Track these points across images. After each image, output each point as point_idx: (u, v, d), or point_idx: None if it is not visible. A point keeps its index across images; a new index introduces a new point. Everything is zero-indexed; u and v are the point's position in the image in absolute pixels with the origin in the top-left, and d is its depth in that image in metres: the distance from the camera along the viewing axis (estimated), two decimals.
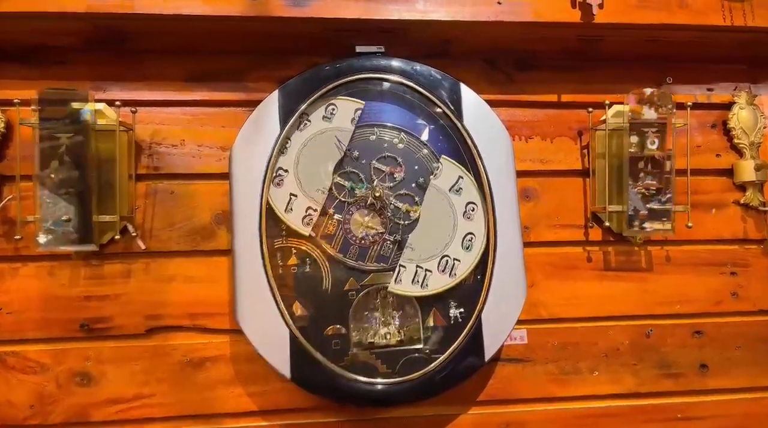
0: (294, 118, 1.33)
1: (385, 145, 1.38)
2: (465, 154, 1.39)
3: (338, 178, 1.36)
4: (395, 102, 1.38)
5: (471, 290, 1.34)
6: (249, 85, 1.46)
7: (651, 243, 1.54)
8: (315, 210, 1.35)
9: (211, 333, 1.41)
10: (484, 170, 1.36)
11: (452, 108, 1.38)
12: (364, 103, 1.36)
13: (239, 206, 1.30)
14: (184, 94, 1.44)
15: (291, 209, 1.35)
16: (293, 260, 1.34)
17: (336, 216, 1.36)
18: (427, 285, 1.33)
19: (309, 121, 1.37)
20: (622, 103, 1.46)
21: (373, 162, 1.39)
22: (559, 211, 1.56)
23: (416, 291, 1.33)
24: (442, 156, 1.37)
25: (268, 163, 1.33)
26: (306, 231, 1.34)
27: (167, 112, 1.44)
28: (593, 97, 1.53)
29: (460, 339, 1.29)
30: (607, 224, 1.48)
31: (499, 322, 1.30)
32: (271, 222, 1.32)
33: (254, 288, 1.27)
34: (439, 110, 1.38)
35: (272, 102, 1.34)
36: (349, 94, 1.35)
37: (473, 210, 1.37)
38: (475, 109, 1.39)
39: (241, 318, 1.25)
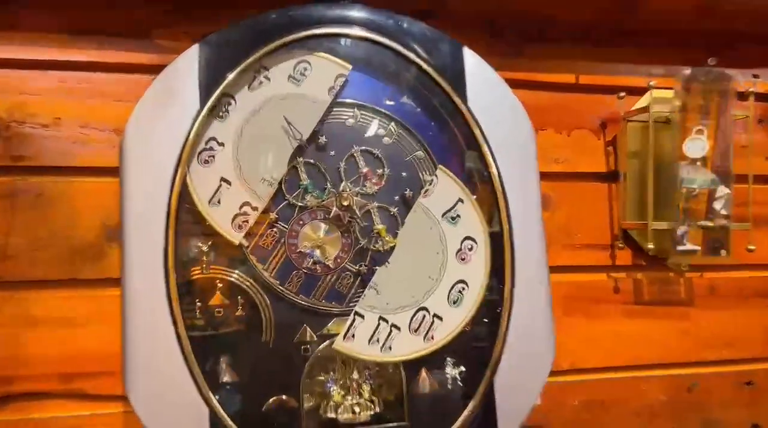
0: (241, 67, 0.96)
1: (367, 135, 1.03)
2: (469, 158, 1.05)
3: (298, 168, 1.00)
4: (385, 75, 1.04)
5: (475, 341, 0.97)
6: (159, 44, 1.08)
7: (691, 268, 1.30)
8: (254, 208, 0.98)
9: (95, 401, 1.04)
10: (500, 181, 1.01)
11: (452, 83, 1.02)
12: (351, 67, 1.00)
13: (134, 209, 0.92)
14: (65, 53, 1.07)
15: (218, 201, 0.97)
16: (217, 298, 0.97)
17: (279, 225, 1.00)
18: (390, 348, 0.97)
19: (267, 77, 0.99)
20: (663, 87, 1.19)
21: (346, 156, 1.03)
22: (577, 226, 1.30)
23: (373, 354, 0.97)
24: (440, 166, 1.03)
25: (191, 128, 0.94)
26: (236, 237, 0.97)
27: (37, 78, 1.06)
28: (621, 79, 1.28)
29: (465, 414, 0.96)
30: (651, 246, 1.08)
31: (518, 392, 0.86)
32: (187, 222, 0.95)
33: (154, 343, 0.90)
34: (435, 88, 1.03)
35: (190, 58, 0.96)
36: (330, 50, 1.00)
37: (471, 249, 1.02)
38: (485, 85, 1.04)
39: (132, 389, 0.87)
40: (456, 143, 1.03)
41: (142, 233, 0.90)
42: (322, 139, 0.99)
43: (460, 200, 1.01)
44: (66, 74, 1.06)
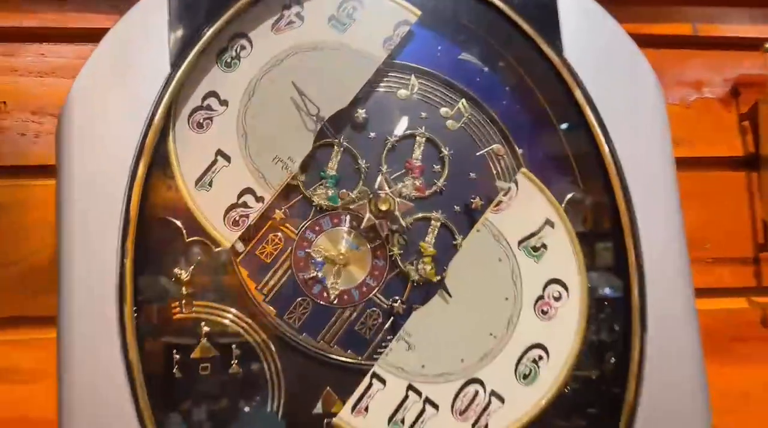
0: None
1: (425, 114, 0.77)
2: (568, 140, 0.77)
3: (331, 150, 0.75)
4: (457, 30, 0.79)
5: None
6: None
7: None
8: (259, 199, 0.72)
9: None
10: (619, 176, 0.73)
11: (541, 25, 0.74)
12: (420, 13, 0.75)
13: (74, 211, 0.67)
14: (14, 18, 0.79)
15: (209, 184, 0.72)
16: (201, 350, 0.69)
17: (286, 228, 0.74)
18: None
19: (300, 16, 0.74)
20: None
21: (392, 142, 0.77)
22: (707, 233, 0.94)
23: None
24: (523, 170, 0.76)
25: (171, 74, 0.69)
26: (229, 237, 0.72)
27: None
28: (759, 28, 0.94)
29: None
30: None
31: None
32: (157, 224, 0.70)
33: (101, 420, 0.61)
34: (524, 42, 0.76)
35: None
36: None
37: (558, 298, 0.73)
38: (588, 26, 0.76)
39: None
40: (547, 126, 0.78)
41: (86, 249, 0.65)
42: (361, 114, 0.76)
43: (549, 223, 0.75)
44: (12, 47, 0.82)
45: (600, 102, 0.74)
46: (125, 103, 0.69)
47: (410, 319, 0.70)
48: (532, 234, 0.74)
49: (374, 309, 0.73)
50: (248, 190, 0.72)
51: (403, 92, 0.77)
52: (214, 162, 0.72)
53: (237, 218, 0.71)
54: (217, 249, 0.72)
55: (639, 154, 0.74)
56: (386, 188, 0.73)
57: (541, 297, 0.73)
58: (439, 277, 0.72)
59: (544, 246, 0.74)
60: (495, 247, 0.73)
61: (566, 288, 0.73)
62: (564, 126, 0.78)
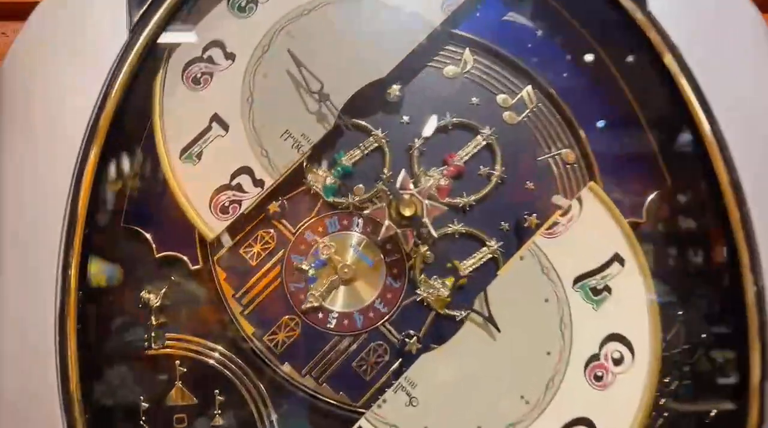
0: None
1: (476, 100, 0.63)
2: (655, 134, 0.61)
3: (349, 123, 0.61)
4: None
5: None
6: None
7: None
8: (258, 182, 0.59)
9: None
10: (733, 188, 0.56)
11: None
12: None
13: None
14: None
15: (198, 156, 0.59)
16: (177, 394, 0.58)
17: (281, 222, 0.61)
18: None
19: None
20: None
21: (429, 131, 0.62)
22: None
23: None
24: (590, 184, 0.61)
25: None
26: (214, 226, 0.59)
27: None
28: None
29: None
30: None
31: None
32: (124, 232, 0.59)
33: None
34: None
35: None
36: None
37: (620, 362, 0.59)
38: None
39: None
40: (629, 117, 0.62)
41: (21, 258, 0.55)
42: (395, 91, 0.62)
43: (618, 259, 0.61)
44: None
45: (699, 71, 0.56)
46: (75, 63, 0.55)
47: (416, 364, 0.58)
48: (594, 272, 0.60)
49: (380, 342, 0.60)
50: (245, 170, 0.59)
51: (451, 69, 0.61)
52: (208, 129, 0.60)
53: (227, 204, 0.59)
54: (195, 267, 0.59)
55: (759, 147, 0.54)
56: (410, 187, 0.56)
57: (595, 357, 0.59)
58: (447, 311, 0.59)
59: (607, 288, 0.60)
60: (542, 283, 0.60)
61: (631, 349, 0.59)
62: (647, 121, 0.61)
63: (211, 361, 0.58)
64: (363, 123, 0.61)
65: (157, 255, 0.58)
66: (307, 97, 0.60)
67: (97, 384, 0.57)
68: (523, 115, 0.62)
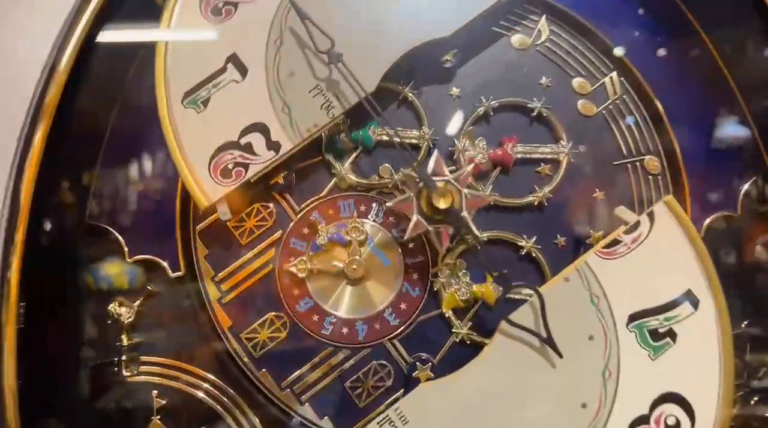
0: None
1: (547, 81, 0.52)
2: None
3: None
4: None
5: None
6: None
7: None
8: (273, 144, 0.47)
9: None
10: None
11: None
12: None
13: None
14: None
15: (205, 103, 0.48)
16: None
17: (284, 197, 0.50)
18: None
19: None
20: None
21: (481, 109, 0.51)
22: None
23: None
24: (665, 199, 0.50)
25: None
26: (212, 190, 0.47)
27: None
28: None
29: None
30: None
31: None
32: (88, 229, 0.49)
33: None
34: None
35: None
36: None
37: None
38: None
39: None
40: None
41: None
42: (449, 59, 0.52)
43: (691, 297, 0.49)
44: None
45: None
46: None
47: (413, 394, 0.47)
48: (658, 311, 0.49)
49: (384, 363, 0.50)
50: (259, 128, 0.48)
51: (519, 39, 0.47)
52: (221, 70, 0.49)
53: (231, 166, 0.47)
54: (176, 275, 0.49)
55: None
56: (445, 173, 0.44)
57: (644, 420, 0.48)
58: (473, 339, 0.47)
59: (671, 334, 0.49)
60: (588, 315, 0.49)
61: (691, 416, 0.48)
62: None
63: (200, 394, 0.49)
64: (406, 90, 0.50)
65: (129, 260, 0.48)
66: (351, 48, 0.48)
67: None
68: (603, 106, 0.51)
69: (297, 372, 0.48)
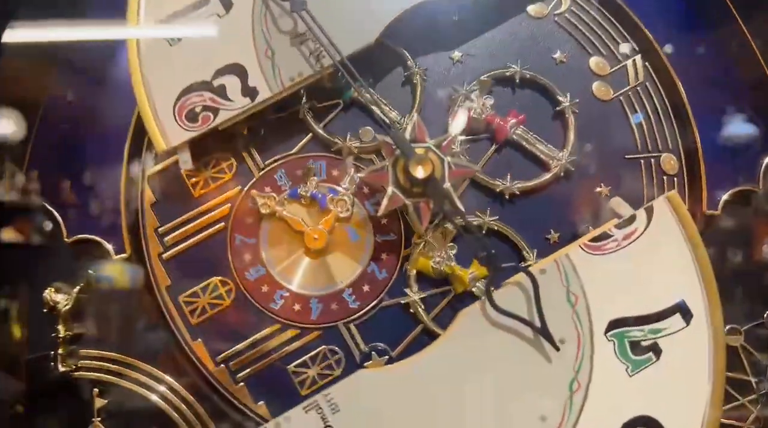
0: None
1: (562, 56, 0.46)
2: None
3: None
4: None
5: None
6: None
7: None
8: (249, 90, 0.42)
9: None
10: None
11: None
12: None
13: None
14: None
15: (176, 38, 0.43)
16: None
17: (251, 153, 0.44)
18: None
19: None
20: None
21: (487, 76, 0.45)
22: None
23: None
24: (668, 194, 0.43)
25: None
26: (175, 134, 0.41)
27: None
28: None
29: None
30: None
31: None
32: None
33: None
34: None
35: None
36: None
37: None
38: None
39: None
40: None
41: None
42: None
43: (683, 310, 0.43)
44: None
45: None
46: None
47: (347, 381, 0.41)
48: (643, 320, 0.43)
49: (335, 349, 0.44)
50: (236, 70, 0.43)
51: (537, 7, 0.41)
52: (203, 1, 0.43)
53: (198, 109, 0.42)
54: (120, 257, 0.43)
55: None
56: (426, 138, 0.38)
57: None
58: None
59: (655, 349, 0.43)
60: (562, 315, 0.43)
61: None
62: None
63: (154, 396, 0.43)
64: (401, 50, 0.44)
65: (67, 240, 0.43)
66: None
67: None
68: (621, 91, 0.44)
69: (236, 347, 0.42)
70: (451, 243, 0.44)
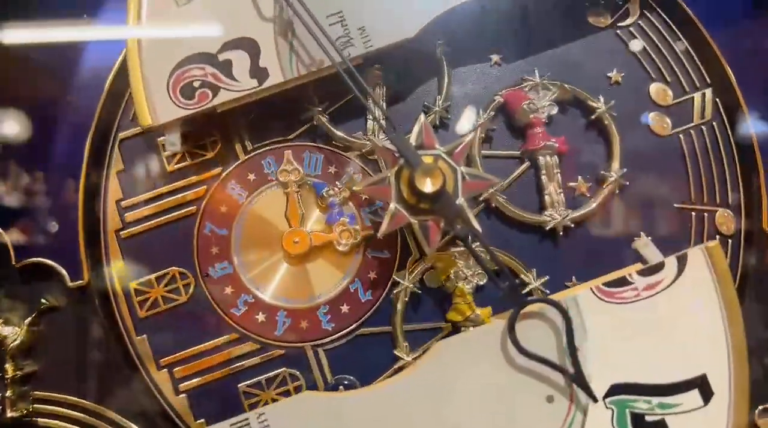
0: None
1: (618, 73, 0.40)
2: None
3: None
4: None
5: None
6: None
7: None
8: (258, 70, 0.35)
9: None
10: None
11: None
12: None
13: None
14: None
15: None
16: None
17: (241, 139, 0.38)
18: None
19: None
20: None
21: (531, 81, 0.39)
22: None
23: None
24: (708, 244, 0.36)
25: None
26: (167, 110, 0.35)
27: None
28: None
29: None
30: None
31: None
32: None
33: None
34: None
35: None
36: None
37: None
38: None
39: None
40: None
41: None
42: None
43: (703, 386, 0.36)
44: None
45: None
46: None
47: (285, 403, 0.36)
48: (652, 390, 0.37)
49: (296, 373, 0.37)
50: (246, 45, 0.37)
51: (597, 14, 0.36)
52: None
53: (196, 85, 0.36)
54: (74, 284, 0.37)
55: None
56: (435, 145, 0.33)
57: None
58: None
59: (662, 427, 0.37)
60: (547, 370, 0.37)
61: None
62: None
63: None
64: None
65: (15, 265, 0.37)
66: None
67: None
68: (682, 128, 0.37)
69: (185, 352, 0.36)
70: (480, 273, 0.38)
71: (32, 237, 0.37)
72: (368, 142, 0.38)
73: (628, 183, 0.38)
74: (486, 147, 0.39)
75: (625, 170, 0.38)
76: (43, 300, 0.37)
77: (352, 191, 0.37)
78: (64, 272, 0.36)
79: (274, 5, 0.37)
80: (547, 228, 0.37)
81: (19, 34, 0.40)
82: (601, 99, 0.38)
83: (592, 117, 0.38)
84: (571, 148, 0.38)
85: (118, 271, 0.37)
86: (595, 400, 0.37)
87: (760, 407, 0.38)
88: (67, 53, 0.39)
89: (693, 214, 0.38)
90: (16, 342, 0.36)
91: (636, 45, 0.40)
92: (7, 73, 0.39)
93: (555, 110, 0.38)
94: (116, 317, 0.37)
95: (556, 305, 0.34)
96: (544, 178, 0.38)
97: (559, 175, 0.38)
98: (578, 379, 0.36)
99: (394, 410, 0.35)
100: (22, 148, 0.38)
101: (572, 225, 0.38)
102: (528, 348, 0.34)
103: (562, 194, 0.38)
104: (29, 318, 0.37)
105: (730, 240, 0.38)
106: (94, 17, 0.39)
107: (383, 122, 0.36)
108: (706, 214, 0.38)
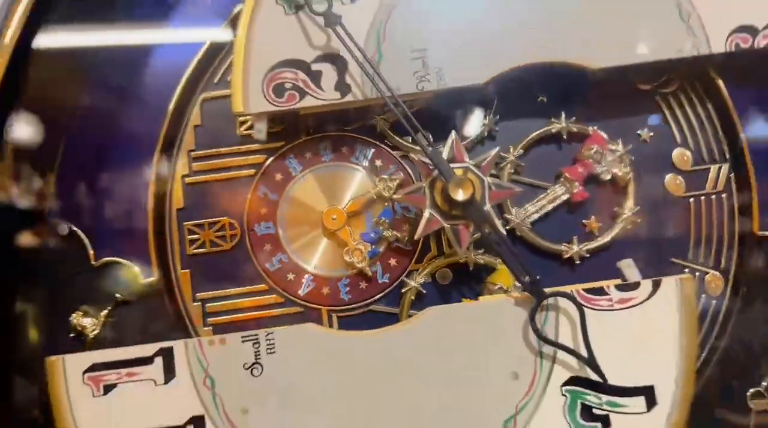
0: None
1: (648, 132, 0.44)
2: None
3: None
4: None
5: None
6: None
7: None
8: (340, 85, 0.41)
9: None
10: None
11: None
12: None
13: None
14: None
15: (298, 6, 0.41)
16: None
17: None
18: None
19: None
20: None
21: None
22: None
23: None
24: (681, 276, 0.40)
25: None
26: (255, 104, 0.40)
27: None
28: None
29: None
30: None
31: None
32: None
33: None
34: None
35: None
36: None
37: None
38: None
39: None
40: None
41: None
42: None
43: (649, 395, 0.41)
44: None
45: None
46: None
47: (293, 329, 0.40)
48: (605, 390, 0.41)
49: None
50: (338, 62, 0.41)
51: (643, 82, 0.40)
52: None
53: (288, 86, 0.41)
54: (149, 280, 0.41)
55: None
56: (464, 157, 0.38)
57: None
58: None
59: (605, 421, 0.41)
60: (526, 349, 0.41)
61: None
62: None
63: None
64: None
65: (94, 263, 0.41)
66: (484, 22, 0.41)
67: None
68: (695, 193, 0.42)
69: (220, 291, 0.41)
70: None
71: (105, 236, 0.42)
72: (414, 148, 0.42)
73: (639, 220, 0.42)
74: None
75: (638, 208, 0.42)
76: (117, 295, 0.41)
77: (392, 200, 0.41)
78: (137, 269, 0.41)
79: (369, 27, 0.41)
80: (565, 257, 0.42)
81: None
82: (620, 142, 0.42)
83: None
84: (584, 200, 0.42)
85: None
86: (605, 380, 0.41)
87: (752, 390, 0.43)
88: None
89: (686, 270, 0.42)
90: (95, 332, 0.41)
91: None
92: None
93: (608, 177, 0.42)
94: (167, 246, 0.42)
95: (571, 298, 0.38)
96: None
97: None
98: (591, 362, 0.40)
99: (379, 357, 0.39)
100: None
101: (588, 255, 0.42)
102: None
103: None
104: (105, 311, 0.41)
105: (714, 301, 0.41)
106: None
107: (422, 139, 0.40)
108: (696, 273, 0.42)
